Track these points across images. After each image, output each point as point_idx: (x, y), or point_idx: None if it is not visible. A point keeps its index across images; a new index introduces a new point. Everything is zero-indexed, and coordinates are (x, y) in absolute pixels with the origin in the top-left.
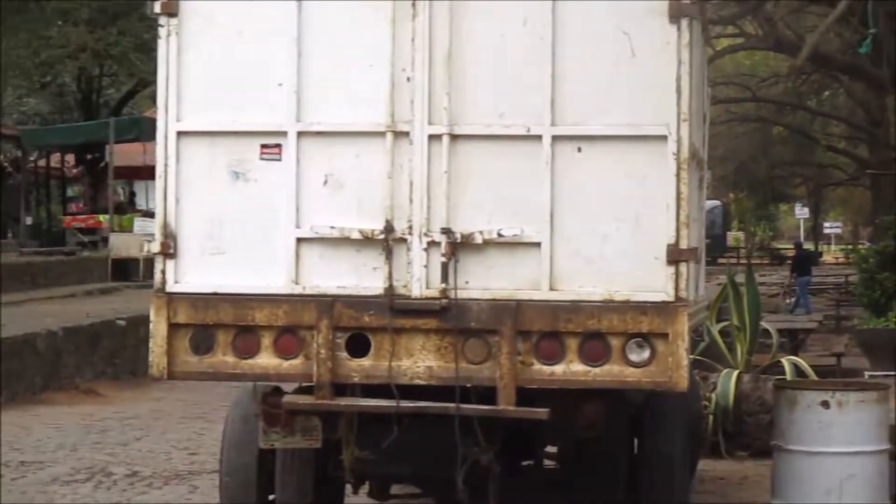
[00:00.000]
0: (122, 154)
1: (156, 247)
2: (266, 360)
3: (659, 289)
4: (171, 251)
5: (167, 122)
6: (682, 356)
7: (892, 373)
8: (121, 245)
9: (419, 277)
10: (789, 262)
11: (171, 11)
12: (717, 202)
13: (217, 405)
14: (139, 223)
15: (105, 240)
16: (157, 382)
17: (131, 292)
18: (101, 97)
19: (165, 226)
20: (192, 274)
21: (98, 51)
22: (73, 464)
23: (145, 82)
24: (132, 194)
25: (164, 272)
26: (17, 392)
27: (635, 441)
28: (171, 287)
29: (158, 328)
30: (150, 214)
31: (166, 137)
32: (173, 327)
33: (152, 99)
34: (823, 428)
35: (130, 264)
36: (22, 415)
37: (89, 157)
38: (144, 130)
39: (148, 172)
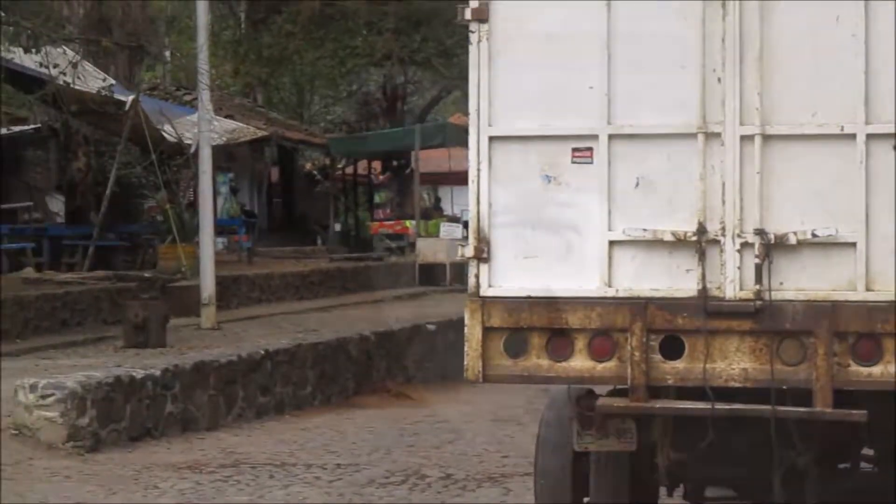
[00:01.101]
0: (427, 160)
1: (469, 251)
2: (580, 363)
3: None
4: (485, 255)
5: (479, 127)
6: None
7: None
8: (428, 250)
9: (733, 279)
10: None
11: (482, 17)
12: None
13: (527, 408)
14: (445, 228)
15: (412, 245)
16: (465, 385)
17: (439, 297)
18: (405, 104)
19: (479, 230)
20: (505, 278)
21: (402, 58)
22: (388, 466)
23: (449, 88)
24: (438, 199)
25: (477, 276)
26: (331, 395)
27: None
28: (485, 291)
29: (473, 332)
30: (455, 219)
31: (478, 142)
32: (487, 331)
33: (456, 105)
34: None
35: (437, 269)
36: (336, 418)
37: (395, 163)
38: (449, 136)
39: (453, 177)
